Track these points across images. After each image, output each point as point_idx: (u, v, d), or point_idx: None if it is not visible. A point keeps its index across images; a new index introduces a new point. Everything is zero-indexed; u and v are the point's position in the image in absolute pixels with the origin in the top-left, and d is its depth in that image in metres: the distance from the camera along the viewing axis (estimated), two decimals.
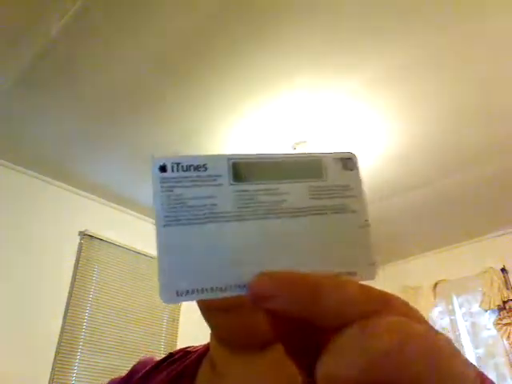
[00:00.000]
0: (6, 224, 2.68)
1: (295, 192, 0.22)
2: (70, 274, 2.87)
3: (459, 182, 2.88)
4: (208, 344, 0.53)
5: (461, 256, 3.61)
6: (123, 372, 0.57)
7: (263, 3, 1.77)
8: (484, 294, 3.39)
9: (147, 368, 0.54)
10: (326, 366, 0.17)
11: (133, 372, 0.55)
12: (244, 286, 0.20)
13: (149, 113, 2.39)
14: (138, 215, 3.39)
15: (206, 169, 0.22)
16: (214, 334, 0.50)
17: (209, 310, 0.47)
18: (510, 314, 3.24)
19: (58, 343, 2.64)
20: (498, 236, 3.48)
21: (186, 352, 0.56)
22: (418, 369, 0.15)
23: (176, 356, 0.55)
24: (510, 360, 3.14)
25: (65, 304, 2.77)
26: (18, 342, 2.49)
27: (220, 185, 0.22)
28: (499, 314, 3.29)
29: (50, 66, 2.08)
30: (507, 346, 3.17)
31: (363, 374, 0.16)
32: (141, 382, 0.52)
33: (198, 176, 0.22)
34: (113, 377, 0.58)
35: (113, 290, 3.01)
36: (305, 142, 2.56)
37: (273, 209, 0.22)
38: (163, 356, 0.57)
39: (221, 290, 0.21)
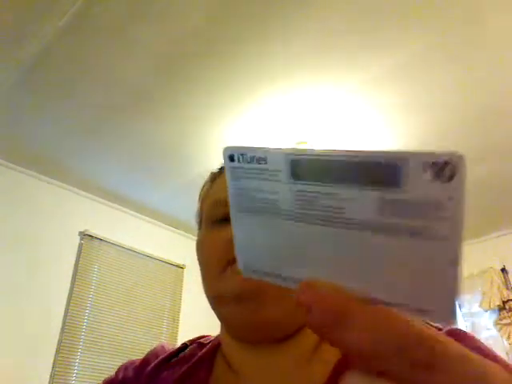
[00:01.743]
0: (6, 224, 2.68)
1: (359, 201, 0.18)
2: (70, 274, 2.87)
3: None
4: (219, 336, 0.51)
5: None
6: None
7: (264, 2, 1.77)
8: (484, 294, 3.39)
9: (158, 360, 0.52)
10: None
11: (146, 361, 0.53)
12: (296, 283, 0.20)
13: (149, 112, 2.39)
14: (138, 215, 3.39)
15: (266, 162, 0.21)
16: (224, 327, 0.48)
17: (220, 300, 0.45)
18: (510, 314, 3.24)
19: (58, 343, 2.64)
20: (498, 236, 3.48)
21: (198, 344, 0.53)
22: None
23: (187, 350, 0.53)
24: (510, 360, 3.14)
25: (65, 304, 2.77)
26: (19, 342, 2.49)
27: (279, 181, 0.21)
28: (499, 314, 3.29)
29: (50, 66, 2.08)
30: (507, 346, 3.17)
31: None
32: (152, 373, 0.50)
33: (259, 169, 0.21)
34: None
35: (113, 290, 3.01)
36: (306, 141, 2.57)
37: (331, 216, 0.19)
38: (176, 347, 0.55)
39: (281, 278, 0.22)
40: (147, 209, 3.34)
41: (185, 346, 0.54)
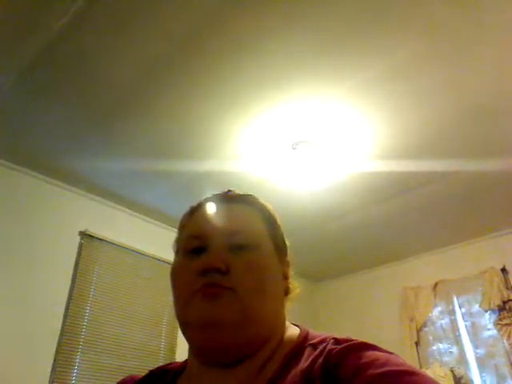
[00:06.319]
0: (6, 224, 2.68)
1: None
2: (70, 273, 2.86)
3: (459, 181, 2.87)
4: (186, 360, 0.57)
5: (461, 256, 3.61)
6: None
7: (261, 9, 1.77)
8: (484, 294, 3.39)
9: None
10: None
11: None
12: None
13: (149, 112, 2.39)
14: (139, 215, 3.39)
15: None
16: (190, 347, 0.54)
17: (187, 326, 0.50)
18: (510, 314, 3.23)
19: (58, 343, 2.64)
20: (498, 236, 3.48)
21: (164, 371, 0.60)
22: None
23: (155, 374, 0.60)
24: (510, 360, 3.14)
25: (65, 304, 2.76)
26: (19, 342, 2.49)
27: None
28: (499, 314, 3.28)
29: (50, 66, 2.08)
30: (507, 346, 3.17)
31: None
32: None
33: None
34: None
35: (113, 290, 3.01)
36: (305, 142, 2.56)
37: None
38: (144, 373, 0.61)
39: None
40: (147, 209, 3.34)
41: (150, 372, 0.61)
